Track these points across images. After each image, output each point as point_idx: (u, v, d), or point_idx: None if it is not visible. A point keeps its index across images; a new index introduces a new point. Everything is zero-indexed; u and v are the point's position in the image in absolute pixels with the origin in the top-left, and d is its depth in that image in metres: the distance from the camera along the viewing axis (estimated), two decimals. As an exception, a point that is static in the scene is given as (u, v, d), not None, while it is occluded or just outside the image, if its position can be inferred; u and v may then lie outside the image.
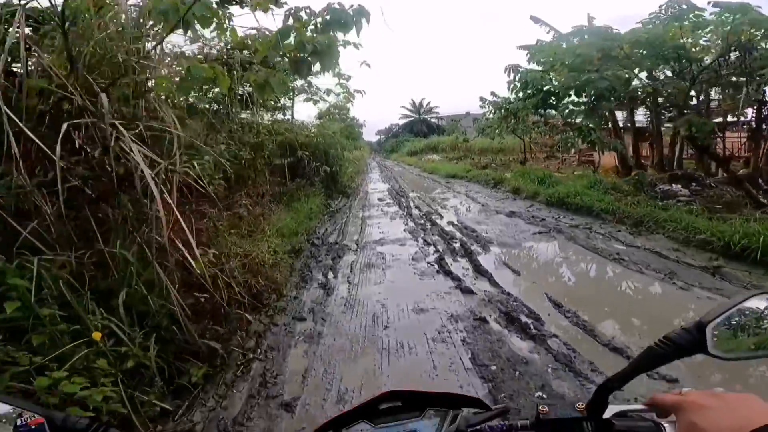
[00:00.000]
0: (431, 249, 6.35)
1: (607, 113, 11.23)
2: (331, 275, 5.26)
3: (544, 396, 2.61)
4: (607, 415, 0.62)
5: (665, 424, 0.56)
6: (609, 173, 11.92)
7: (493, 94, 15.64)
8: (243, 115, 6.19)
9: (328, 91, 11.97)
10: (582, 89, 9.65)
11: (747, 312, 0.56)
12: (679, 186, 9.11)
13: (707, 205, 7.22)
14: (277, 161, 8.68)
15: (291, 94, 10.90)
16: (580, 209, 8.63)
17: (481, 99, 16.51)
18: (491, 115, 16.39)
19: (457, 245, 6.49)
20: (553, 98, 11.55)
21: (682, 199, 8.10)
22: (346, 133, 15.67)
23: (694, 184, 9.12)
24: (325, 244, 7.02)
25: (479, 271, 5.11)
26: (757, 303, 0.56)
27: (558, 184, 11.28)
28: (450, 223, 8.58)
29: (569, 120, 11.58)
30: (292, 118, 11.50)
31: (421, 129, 50.89)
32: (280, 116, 11.00)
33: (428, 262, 5.60)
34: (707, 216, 6.40)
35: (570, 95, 10.61)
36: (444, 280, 4.88)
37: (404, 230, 8.01)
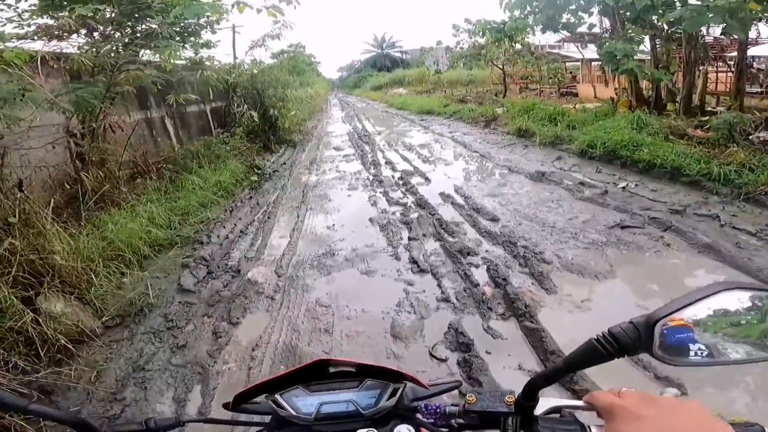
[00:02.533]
0: (432, 293, 2.96)
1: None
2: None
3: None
4: (542, 408, 0.55)
5: (593, 428, 0.49)
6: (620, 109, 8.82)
7: (467, 21, 13.86)
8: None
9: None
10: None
11: (706, 312, 0.43)
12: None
13: None
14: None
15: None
16: (650, 169, 5.33)
17: (455, 26, 14.85)
18: (481, 38, 14.08)
19: (480, 277, 3.11)
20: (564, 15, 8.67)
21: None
22: (289, 68, 12.14)
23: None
24: (208, 285, 3.39)
25: None
26: (719, 301, 0.42)
27: (582, 124, 7.97)
28: (446, 197, 5.15)
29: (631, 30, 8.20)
30: (236, 58, 9.33)
31: (384, 64, 47.08)
32: (205, 53, 7.63)
33: (443, 363, 2.21)
34: None
35: (591, 13, 8.56)
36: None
37: (371, 221, 4.54)
